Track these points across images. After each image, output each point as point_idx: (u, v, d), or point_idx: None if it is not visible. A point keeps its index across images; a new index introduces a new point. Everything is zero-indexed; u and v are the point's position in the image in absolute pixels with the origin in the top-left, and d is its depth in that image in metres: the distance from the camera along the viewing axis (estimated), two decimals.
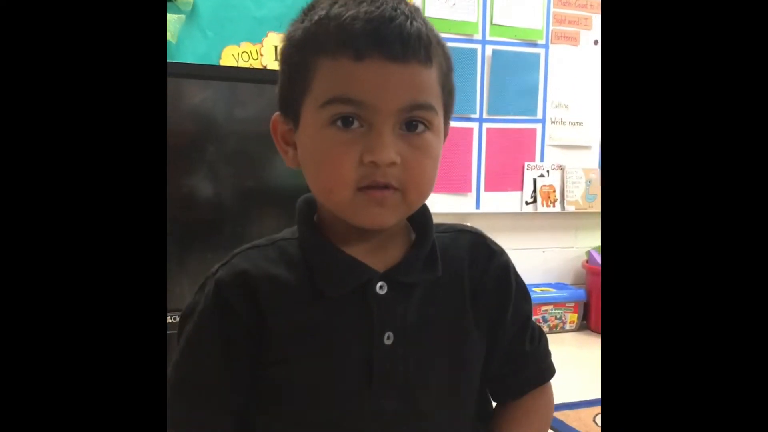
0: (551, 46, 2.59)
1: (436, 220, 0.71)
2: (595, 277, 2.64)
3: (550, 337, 0.79)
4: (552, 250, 2.74)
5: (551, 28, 2.58)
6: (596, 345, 2.43)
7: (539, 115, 2.60)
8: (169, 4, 2.00)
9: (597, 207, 2.71)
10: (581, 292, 2.65)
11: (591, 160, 2.71)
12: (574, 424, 1.71)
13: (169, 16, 2.00)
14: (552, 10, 2.57)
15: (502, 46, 2.51)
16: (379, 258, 0.67)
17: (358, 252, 0.66)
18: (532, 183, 2.61)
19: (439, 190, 2.40)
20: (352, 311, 0.65)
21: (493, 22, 2.48)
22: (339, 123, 0.61)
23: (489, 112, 2.52)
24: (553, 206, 2.65)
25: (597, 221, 2.71)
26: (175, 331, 0.68)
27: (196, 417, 0.66)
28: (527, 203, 2.61)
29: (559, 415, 1.75)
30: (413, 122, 0.62)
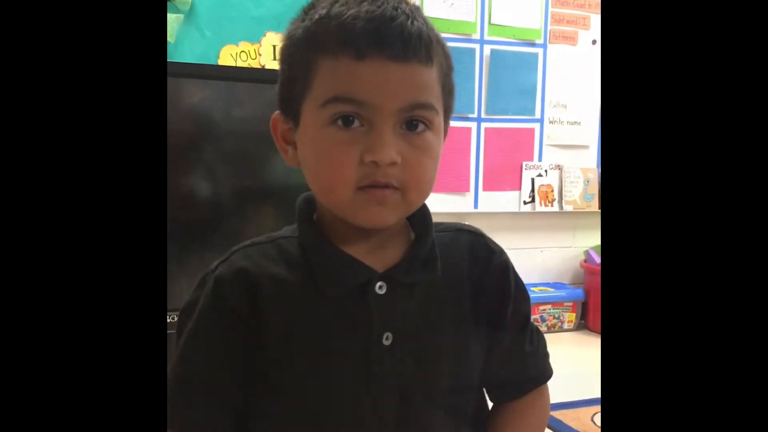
0: (549, 46, 2.59)
1: (434, 220, 0.71)
2: (593, 276, 2.64)
3: (549, 337, 0.79)
4: (550, 250, 2.74)
5: (549, 27, 2.58)
6: (594, 344, 2.43)
7: (537, 115, 2.61)
8: (167, 4, 2.00)
9: (595, 206, 2.71)
10: (579, 292, 2.65)
11: (589, 159, 2.71)
12: (572, 424, 1.72)
13: (168, 16, 2.00)
14: (550, 9, 2.58)
15: (501, 45, 2.51)
16: (379, 257, 0.67)
17: (357, 251, 0.66)
18: (531, 182, 2.61)
19: (438, 190, 2.40)
20: (352, 311, 0.65)
21: (491, 21, 2.49)
22: (339, 122, 0.61)
23: (487, 112, 2.52)
24: (551, 206, 2.65)
25: (595, 221, 2.71)
26: (175, 331, 0.68)
27: (195, 416, 0.66)
28: (525, 203, 2.62)
29: (557, 414, 1.76)
30: (414, 122, 0.62)
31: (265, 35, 2.17)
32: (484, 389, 0.76)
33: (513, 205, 2.60)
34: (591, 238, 2.75)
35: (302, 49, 0.63)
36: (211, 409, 0.66)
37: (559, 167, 2.65)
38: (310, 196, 0.70)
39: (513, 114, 2.56)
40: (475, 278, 0.71)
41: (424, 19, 0.63)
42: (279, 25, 2.14)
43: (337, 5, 0.61)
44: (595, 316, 2.61)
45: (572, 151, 2.68)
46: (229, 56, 2.13)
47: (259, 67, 2.16)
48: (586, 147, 2.70)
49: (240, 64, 2.14)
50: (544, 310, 2.59)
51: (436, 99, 0.64)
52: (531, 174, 2.61)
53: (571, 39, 2.62)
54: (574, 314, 2.64)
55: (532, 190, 2.62)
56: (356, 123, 0.61)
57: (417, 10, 0.64)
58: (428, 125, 0.63)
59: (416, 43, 0.60)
